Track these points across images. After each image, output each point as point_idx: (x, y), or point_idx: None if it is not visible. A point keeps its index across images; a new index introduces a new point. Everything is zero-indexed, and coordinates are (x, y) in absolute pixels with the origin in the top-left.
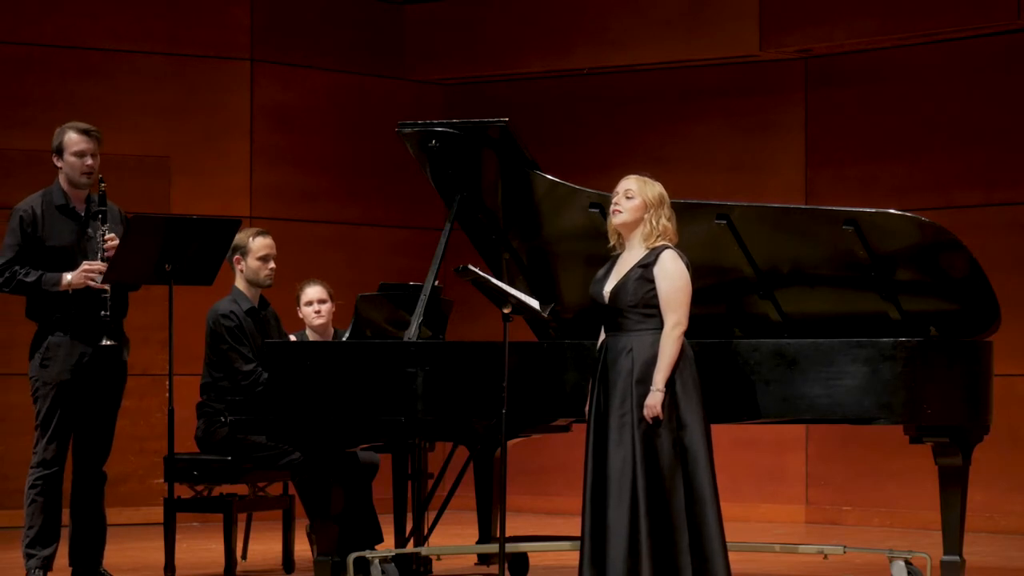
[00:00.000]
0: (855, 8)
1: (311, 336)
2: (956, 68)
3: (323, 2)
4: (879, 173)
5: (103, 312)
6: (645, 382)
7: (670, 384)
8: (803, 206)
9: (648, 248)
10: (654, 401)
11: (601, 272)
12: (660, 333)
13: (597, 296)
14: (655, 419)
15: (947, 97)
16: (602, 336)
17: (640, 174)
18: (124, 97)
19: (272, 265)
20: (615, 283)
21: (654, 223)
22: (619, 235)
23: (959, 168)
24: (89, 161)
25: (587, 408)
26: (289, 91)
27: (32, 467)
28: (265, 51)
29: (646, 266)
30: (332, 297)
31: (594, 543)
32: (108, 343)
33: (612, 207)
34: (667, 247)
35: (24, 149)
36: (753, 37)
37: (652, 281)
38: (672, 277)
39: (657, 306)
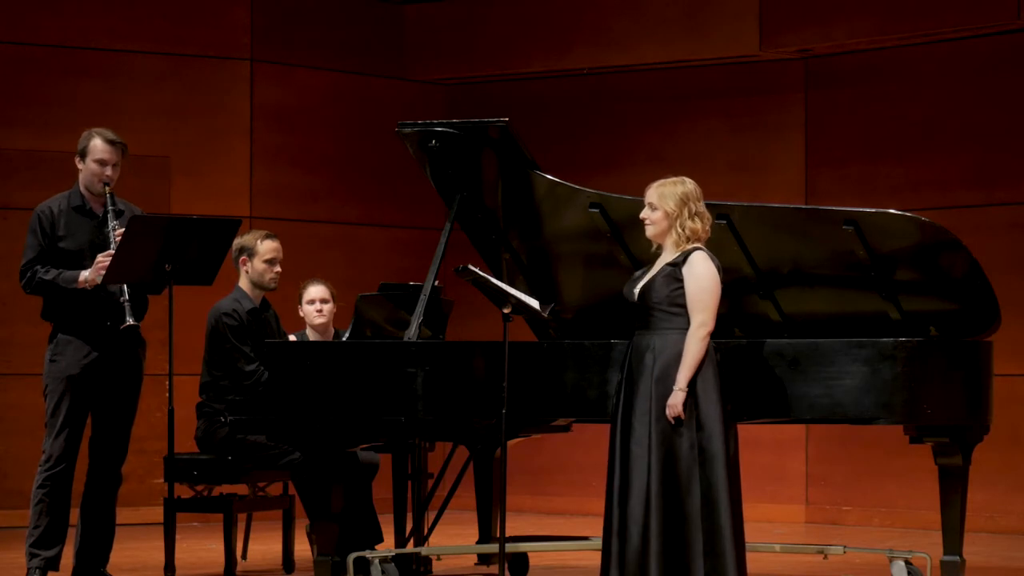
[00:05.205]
0: (855, 8)
1: (311, 336)
2: (956, 68)
3: (323, 2)
4: (879, 173)
5: (122, 298)
6: (664, 381)
7: (691, 384)
8: (803, 206)
9: (680, 251)
10: (676, 400)
11: (638, 273)
12: (684, 334)
13: (628, 295)
14: (676, 419)
15: (947, 97)
16: None
17: (664, 176)
18: (124, 97)
19: (278, 268)
20: (645, 281)
21: (680, 229)
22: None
23: (959, 168)
24: (109, 171)
25: (612, 408)
26: (289, 91)
27: (40, 465)
28: (265, 51)
29: (676, 265)
30: (334, 297)
31: (621, 543)
32: (131, 323)
33: (643, 219)
34: (698, 248)
35: (24, 149)
36: (753, 37)
37: (680, 280)
38: (700, 278)
39: (683, 306)
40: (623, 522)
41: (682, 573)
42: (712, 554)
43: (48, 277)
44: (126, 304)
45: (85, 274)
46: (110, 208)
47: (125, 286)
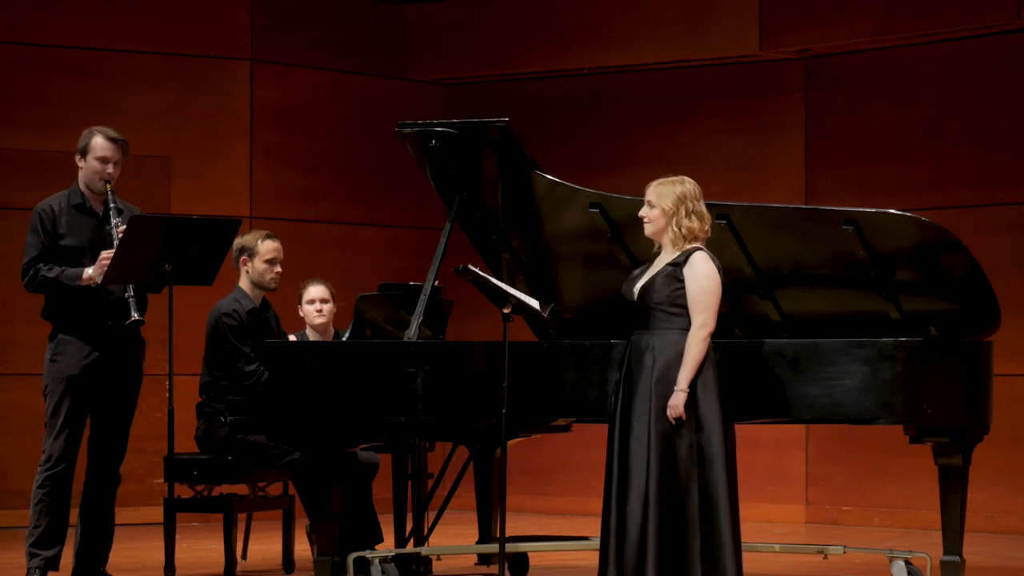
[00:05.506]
0: (855, 8)
1: (311, 336)
2: (956, 68)
3: (323, 2)
4: (879, 173)
5: (127, 294)
6: (664, 382)
7: (691, 385)
8: (803, 206)
9: (679, 250)
10: (677, 401)
11: (637, 271)
12: (684, 334)
13: (627, 294)
14: (677, 419)
15: (947, 97)
16: None
17: (665, 176)
18: (124, 97)
19: (278, 269)
20: (645, 280)
21: (676, 228)
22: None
23: (959, 168)
24: (110, 169)
25: (611, 407)
26: (289, 91)
27: (40, 465)
28: (265, 51)
29: (676, 265)
30: (334, 297)
31: (619, 542)
32: (136, 318)
33: (641, 217)
34: (699, 249)
35: (24, 149)
36: (753, 37)
37: (681, 280)
38: (701, 278)
39: (683, 306)
40: (621, 522)
41: (680, 573)
42: (710, 555)
43: (51, 275)
44: (131, 300)
45: (88, 271)
46: (111, 205)
47: (132, 285)
